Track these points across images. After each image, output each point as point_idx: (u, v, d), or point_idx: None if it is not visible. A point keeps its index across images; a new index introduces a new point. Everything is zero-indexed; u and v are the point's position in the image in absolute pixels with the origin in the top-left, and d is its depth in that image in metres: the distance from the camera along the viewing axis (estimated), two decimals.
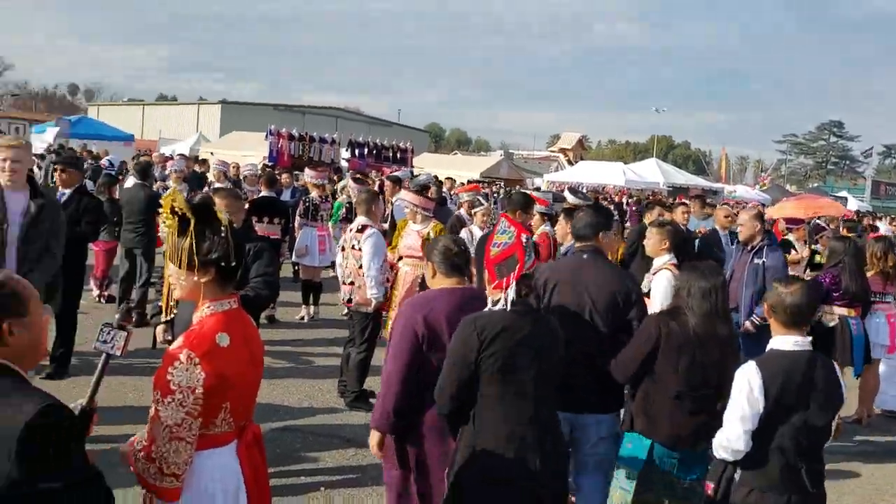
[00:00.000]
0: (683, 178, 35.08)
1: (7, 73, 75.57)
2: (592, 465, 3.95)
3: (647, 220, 7.78)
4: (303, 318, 9.55)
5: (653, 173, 32.62)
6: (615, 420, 3.99)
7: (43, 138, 22.92)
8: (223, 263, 2.36)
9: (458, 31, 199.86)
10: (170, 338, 4.58)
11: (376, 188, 11.66)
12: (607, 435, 3.92)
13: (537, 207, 7.31)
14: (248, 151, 24.29)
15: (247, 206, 7.26)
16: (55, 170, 7.06)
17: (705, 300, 3.56)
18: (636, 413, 3.73)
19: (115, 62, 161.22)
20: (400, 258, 6.92)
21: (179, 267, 2.35)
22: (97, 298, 9.61)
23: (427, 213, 6.63)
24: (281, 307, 9.33)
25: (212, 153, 23.92)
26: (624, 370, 3.73)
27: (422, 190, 6.80)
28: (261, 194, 9.45)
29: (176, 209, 2.32)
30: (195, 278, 2.35)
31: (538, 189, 21.07)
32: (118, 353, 2.27)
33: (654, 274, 5.11)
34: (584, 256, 4.08)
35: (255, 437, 2.56)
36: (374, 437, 3.52)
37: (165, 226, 2.36)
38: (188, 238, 2.31)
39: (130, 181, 9.41)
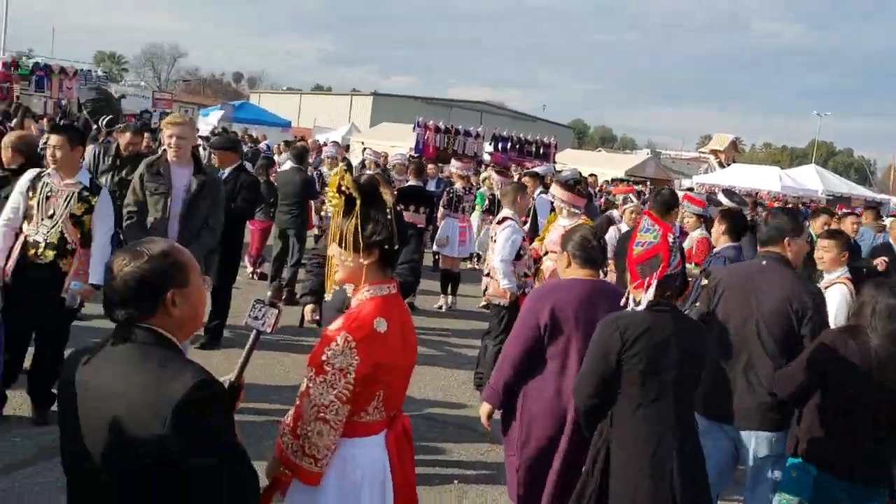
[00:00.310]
0: (846, 186, 32.55)
1: (181, 60, 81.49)
2: (749, 483, 3.68)
3: (812, 230, 7.21)
4: (441, 307, 9.62)
5: (811, 180, 30.48)
6: (776, 439, 3.65)
7: (208, 121, 24.47)
8: (386, 246, 2.31)
9: (605, 25, 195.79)
10: (317, 317, 4.68)
11: None
12: (768, 454, 3.61)
13: (693, 208, 6.93)
14: (396, 142, 24.86)
15: (395, 193, 7.34)
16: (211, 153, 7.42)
17: (892, 320, 3.20)
18: (801, 436, 3.42)
19: (277, 52, 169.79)
20: (545, 253, 6.76)
21: (343, 248, 2.32)
22: (251, 275, 10.09)
23: (576, 209, 6.44)
24: (420, 295, 9.43)
25: (362, 143, 24.68)
26: (786, 385, 3.42)
27: (573, 185, 6.55)
28: (408, 183, 9.60)
29: (343, 188, 2.29)
30: (359, 260, 2.32)
31: (691, 189, 20.22)
32: (269, 330, 2.26)
33: (826, 287, 4.69)
34: (764, 263, 3.76)
35: (404, 428, 2.49)
36: (484, 407, 3.74)
37: (331, 205, 2.34)
38: (353, 218, 2.28)
39: (287, 164, 9.79)
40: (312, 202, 9.76)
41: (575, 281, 3.55)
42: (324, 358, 2.22)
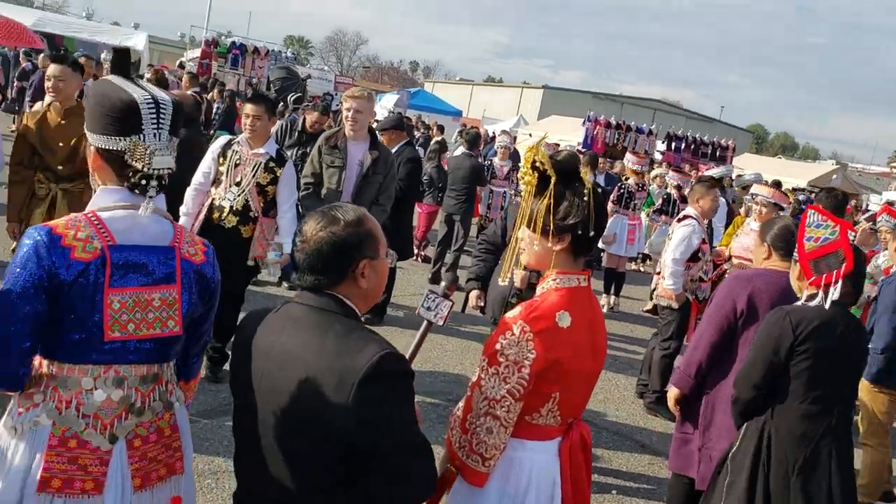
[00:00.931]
0: None
1: (362, 47, 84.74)
2: None
3: None
4: (602, 307, 9.26)
5: None
6: None
7: (383, 105, 25.21)
8: (580, 231, 2.09)
9: (793, 28, 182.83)
10: (482, 304, 4.56)
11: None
12: None
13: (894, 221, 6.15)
14: (564, 136, 24.42)
15: None
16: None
17: None
18: None
19: (452, 43, 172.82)
20: (729, 258, 6.27)
21: (532, 230, 2.12)
22: (414, 257, 10.21)
23: (781, 208, 5.90)
24: None
25: (530, 135, 24.47)
26: None
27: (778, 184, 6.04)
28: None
29: (537, 165, 2.09)
30: (548, 244, 2.12)
31: (892, 203, 18.32)
32: (440, 322, 2.14)
33: None
34: None
35: (582, 438, 2.22)
36: (672, 391, 3.68)
37: (523, 182, 2.16)
38: (546, 199, 2.08)
39: (459, 150, 9.79)
40: (480, 189, 9.71)
41: (774, 271, 3.47)
42: (498, 347, 2.05)
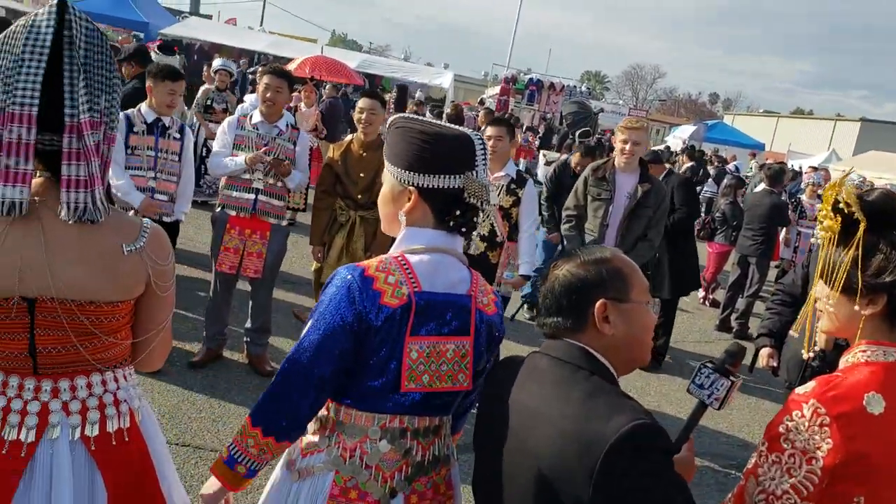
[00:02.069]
0: None
1: (659, 80, 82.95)
2: None
3: None
4: None
5: None
6: None
7: (676, 135, 24.30)
8: None
9: None
10: (774, 364, 3.99)
11: None
12: None
13: None
14: (884, 174, 21.48)
15: None
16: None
17: None
18: None
19: (755, 74, 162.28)
20: None
21: (832, 287, 1.70)
22: (701, 300, 9.51)
23: None
24: None
25: (842, 171, 21.91)
26: None
27: None
28: None
29: (841, 206, 1.68)
30: (854, 307, 1.68)
31: None
32: (716, 405, 1.71)
33: None
34: None
35: None
36: None
37: (820, 227, 1.75)
38: (852, 249, 1.66)
39: (760, 187, 8.97)
40: (781, 230, 8.79)
41: None
42: (782, 430, 1.64)
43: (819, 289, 1.77)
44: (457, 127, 1.86)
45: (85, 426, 1.73)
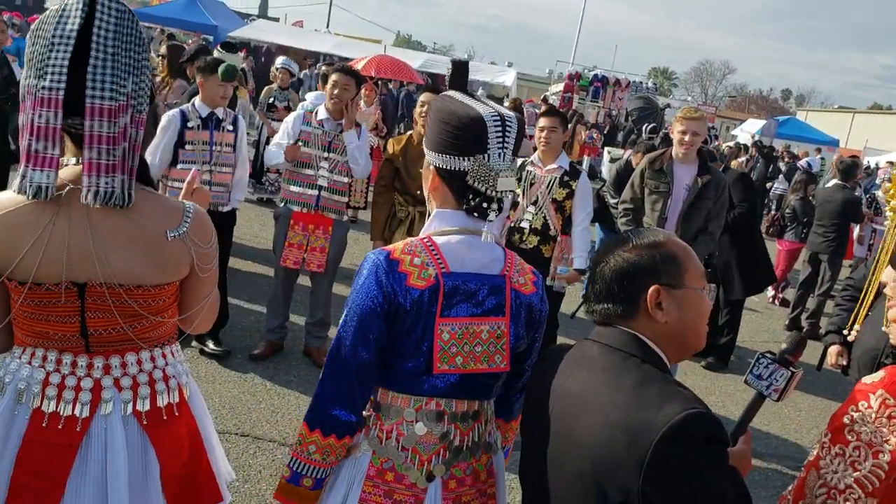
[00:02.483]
0: None
1: (729, 76, 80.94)
2: None
3: None
4: None
5: None
6: None
7: (744, 129, 23.64)
8: None
9: None
10: (844, 362, 3.83)
11: None
12: None
13: None
14: None
15: None
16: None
17: None
18: None
19: (831, 68, 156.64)
20: None
21: None
22: (771, 299, 9.23)
23: None
24: None
25: None
26: None
27: None
28: None
29: None
30: None
31: None
32: (774, 395, 1.64)
33: None
34: None
35: None
36: None
37: (889, 208, 1.66)
38: None
39: (832, 182, 8.64)
40: (855, 227, 8.45)
41: None
42: (846, 421, 1.57)
43: (888, 273, 1.69)
44: (479, 105, 1.77)
45: (136, 401, 1.78)
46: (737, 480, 1.41)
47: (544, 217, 4.72)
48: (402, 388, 1.80)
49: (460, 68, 1.93)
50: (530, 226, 4.74)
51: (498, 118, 1.73)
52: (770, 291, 9.15)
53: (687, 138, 4.81)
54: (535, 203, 4.74)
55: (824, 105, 72.42)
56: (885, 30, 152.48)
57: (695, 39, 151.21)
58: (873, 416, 1.55)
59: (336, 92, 4.75)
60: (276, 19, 35.55)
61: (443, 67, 23.82)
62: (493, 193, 1.74)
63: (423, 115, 4.96)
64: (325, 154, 4.78)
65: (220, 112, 4.87)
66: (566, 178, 4.74)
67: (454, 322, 1.75)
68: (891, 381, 1.56)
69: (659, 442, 1.33)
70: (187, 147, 4.74)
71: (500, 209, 1.78)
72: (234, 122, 4.95)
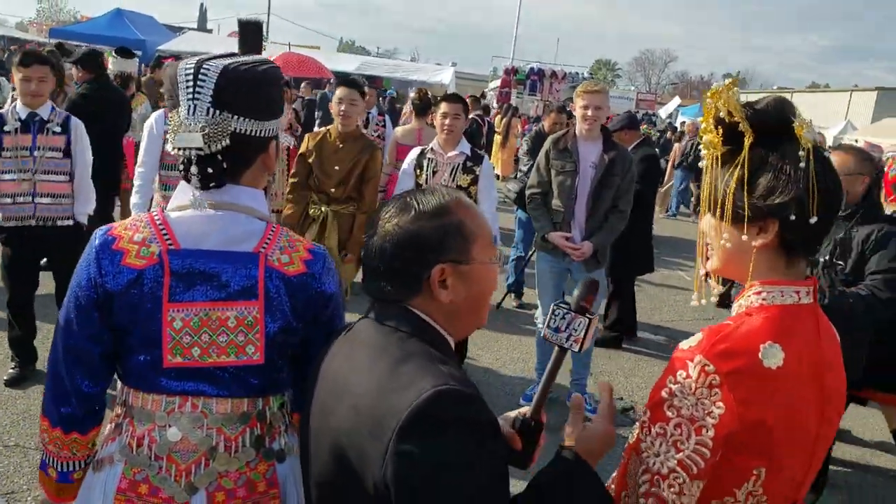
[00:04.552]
0: None
1: (671, 64, 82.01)
2: None
3: None
4: None
5: None
6: None
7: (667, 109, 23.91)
8: (794, 216, 1.30)
9: None
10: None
11: None
12: None
13: None
14: None
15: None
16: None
17: None
18: None
19: (771, 51, 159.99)
20: None
21: (719, 217, 1.38)
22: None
23: None
24: None
25: (856, 140, 21.48)
26: None
27: None
28: None
29: (723, 116, 1.34)
30: (742, 238, 1.36)
31: None
32: (576, 346, 1.43)
33: None
34: None
35: None
36: None
37: (703, 146, 1.42)
38: (737, 167, 1.34)
39: None
40: None
41: None
42: (664, 395, 1.33)
43: (705, 221, 1.47)
44: (202, 58, 1.56)
45: None
46: (487, 469, 1.16)
47: None
48: (145, 386, 1.57)
49: (248, 29, 1.71)
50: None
51: (191, 69, 1.52)
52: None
53: (590, 113, 4.59)
54: None
55: (763, 87, 73.89)
56: (818, 9, 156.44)
57: (638, 30, 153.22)
58: (693, 386, 1.32)
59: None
60: (210, 30, 34.94)
61: (380, 69, 23.62)
62: (177, 152, 1.52)
63: (342, 113, 4.74)
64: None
65: (43, 112, 4.24)
66: (469, 164, 4.64)
67: (188, 307, 1.52)
68: (709, 344, 1.34)
69: (400, 430, 1.14)
70: (5, 154, 4.18)
71: (206, 174, 1.52)
72: (66, 123, 4.31)
